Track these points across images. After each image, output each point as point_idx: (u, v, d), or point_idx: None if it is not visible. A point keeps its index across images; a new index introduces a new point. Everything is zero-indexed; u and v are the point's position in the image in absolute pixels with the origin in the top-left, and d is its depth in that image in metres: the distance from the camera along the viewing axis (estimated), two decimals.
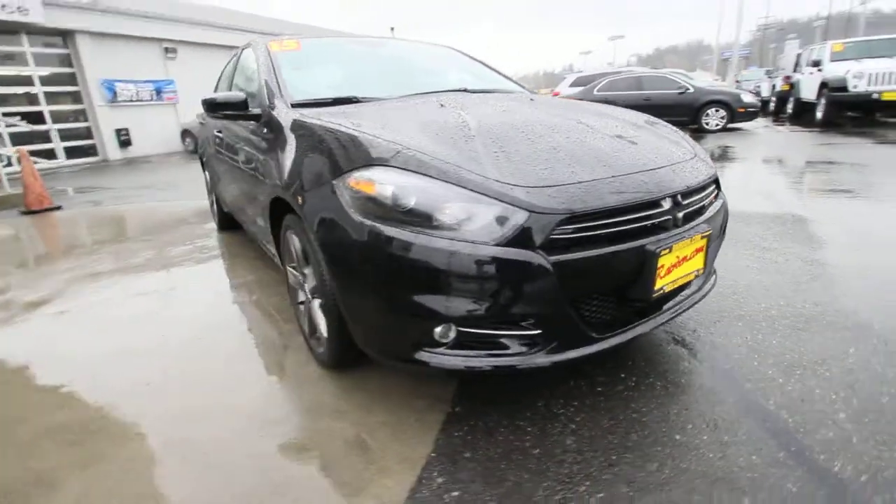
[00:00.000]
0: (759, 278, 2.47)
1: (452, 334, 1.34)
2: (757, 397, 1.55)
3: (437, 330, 1.33)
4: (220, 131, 3.05)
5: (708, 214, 1.60)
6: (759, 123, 11.23)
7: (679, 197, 1.45)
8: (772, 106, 14.14)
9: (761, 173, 5.50)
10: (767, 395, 1.56)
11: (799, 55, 12.09)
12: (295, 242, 1.82)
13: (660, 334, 1.96)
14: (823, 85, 9.42)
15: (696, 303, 1.67)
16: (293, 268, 1.98)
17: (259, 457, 1.43)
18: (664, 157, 1.58)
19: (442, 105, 1.91)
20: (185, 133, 14.71)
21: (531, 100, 2.21)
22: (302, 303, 2.03)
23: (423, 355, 1.36)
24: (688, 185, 1.50)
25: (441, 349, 1.36)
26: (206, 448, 1.48)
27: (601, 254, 1.30)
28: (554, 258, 1.25)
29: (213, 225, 4.33)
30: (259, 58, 2.38)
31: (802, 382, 1.61)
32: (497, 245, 1.24)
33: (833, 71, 9.26)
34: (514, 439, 1.44)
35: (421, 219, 1.30)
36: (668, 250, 1.38)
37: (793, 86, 11.78)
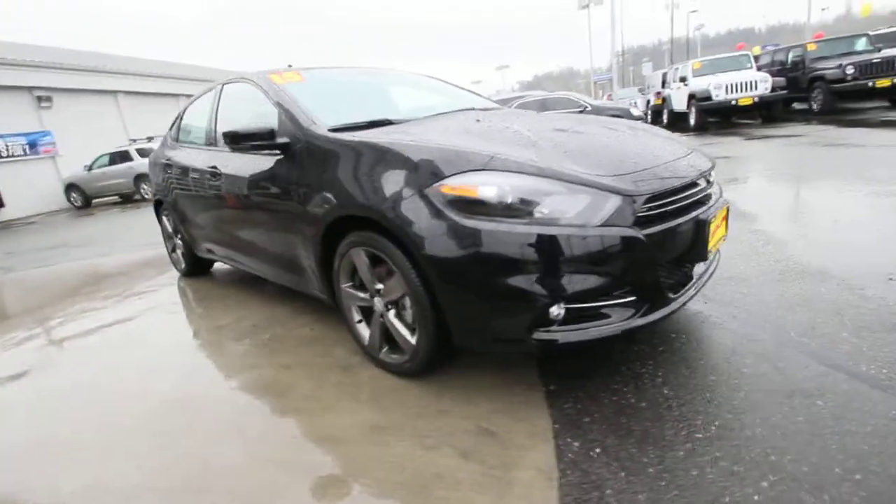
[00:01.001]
0: (724, 248, 2.94)
1: (562, 312, 1.50)
2: (780, 332, 1.90)
3: (553, 310, 1.48)
4: (196, 172, 2.94)
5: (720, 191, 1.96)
6: None
7: (709, 176, 1.78)
8: (648, 118, 16.29)
9: None
10: (787, 329, 1.92)
11: (665, 73, 14.19)
12: (362, 259, 1.87)
13: None
14: (692, 96, 11.17)
15: (716, 268, 2.00)
16: (352, 287, 2.00)
17: (402, 457, 1.46)
18: (682, 147, 1.92)
19: (478, 120, 2.10)
20: (72, 187, 13.15)
21: (538, 112, 2.48)
22: (361, 321, 2.06)
23: (542, 335, 1.50)
24: (709, 167, 1.84)
25: (554, 327, 1.51)
26: (365, 454, 1.46)
27: (674, 225, 1.56)
28: (644, 232, 1.49)
29: (173, 273, 4.02)
30: (269, 90, 2.39)
31: (804, 316, 2.00)
32: (602, 226, 1.45)
33: (698, 84, 11.03)
34: (618, 399, 1.62)
35: (527, 211, 1.46)
36: (713, 218, 1.69)
37: (665, 99, 13.72)
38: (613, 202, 1.47)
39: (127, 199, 13.45)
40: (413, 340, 1.78)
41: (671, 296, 1.64)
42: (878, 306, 2.00)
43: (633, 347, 1.93)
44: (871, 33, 11.05)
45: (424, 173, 1.61)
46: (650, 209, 1.54)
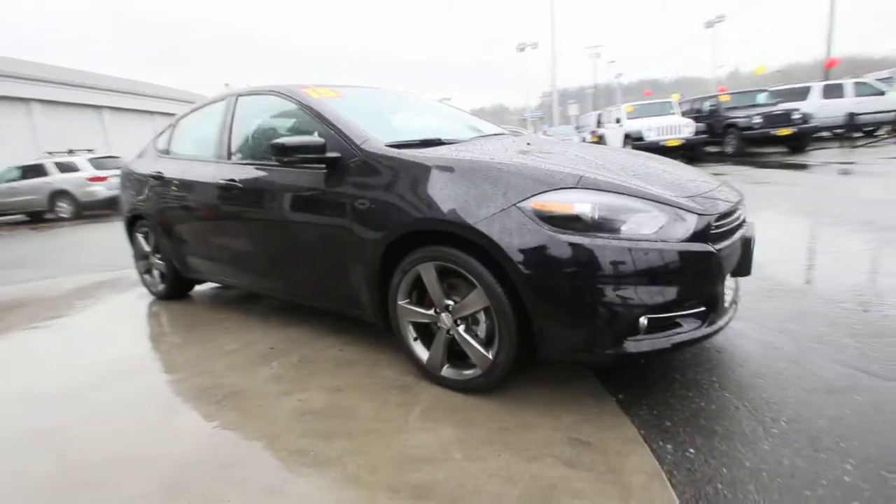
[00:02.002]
0: None
1: (646, 322, 1.62)
2: (795, 341, 2.15)
3: (642, 320, 1.59)
4: (200, 186, 2.79)
5: None
6: None
7: (741, 201, 2.02)
8: None
9: None
10: (799, 338, 2.18)
11: (600, 114, 15.51)
12: (432, 274, 1.87)
13: None
14: (627, 136, 12.29)
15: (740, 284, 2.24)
16: (409, 303, 1.99)
17: (506, 470, 1.46)
18: (712, 177, 2.16)
19: (529, 143, 2.22)
20: None
21: (564, 141, 2.66)
22: (417, 338, 2.04)
23: (631, 345, 1.60)
24: (741, 195, 2.08)
25: (639, 336, 1.62)
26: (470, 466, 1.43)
27: (733, 242, 1.76)
28: (716, 247, 1.66)
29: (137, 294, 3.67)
30: (309, 105, 2.36)
31: (808, 326, 2.28)
32: (686, 241, 1.59)
33: (632, 126, 12.18)
34: (688, 403, 1.75)
35: (616, 228, 1.58)
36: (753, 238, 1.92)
37: (601, 138, 14.93)
38: (692, 220, 1.63)
39: (36, 217, 12.01)
40: (490, 355, 1.80)
41: (726, 306, 1.81)
42: (861, 317, 2.34)
43: (678, 357, 2.09)
44: (770, 89, 12.92)
45: (515, 190, 1.68)
46: (718, 227, 1.72)
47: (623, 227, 1.59)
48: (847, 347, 2.06)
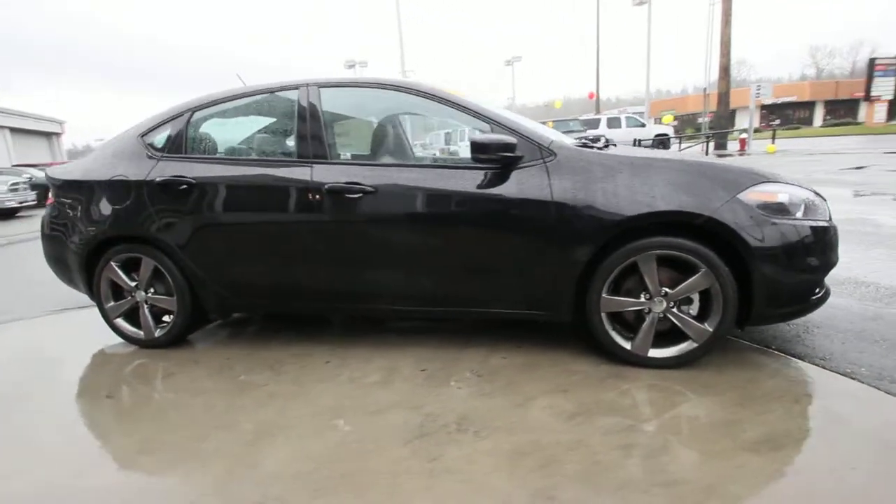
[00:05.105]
0: None
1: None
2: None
3: (825, 280, 2.10)
4: (274, 192, 2.35)
5: None
6: None
7: None
8: None
9: None
10: (837, 324, 3.02)
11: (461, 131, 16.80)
12: (651, 263, 2.05)
13: None
14: None
15: None
16: (613, 294, 2.12)
17: (702, 421, 1.76)
18: None
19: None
20: None
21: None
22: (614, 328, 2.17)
23: (812, 300, 2.09)
24: None
25: (817, 292, 2.12)
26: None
27: None
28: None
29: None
30: (466, 106, 2.27)
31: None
32: (827, 221, 2.13)
33: None
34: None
35: (804, 212, 2.06)
36: None
37: None
38: (825, 205, 2.21)
39: None
40: (710, 328, 2.06)
41: None
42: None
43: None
44: (580, 118, 16.08)
45: (731, 184, 2.01)
46: None
47: (803, 212, 2.07)
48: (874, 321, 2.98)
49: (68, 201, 2.69)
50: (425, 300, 2.35)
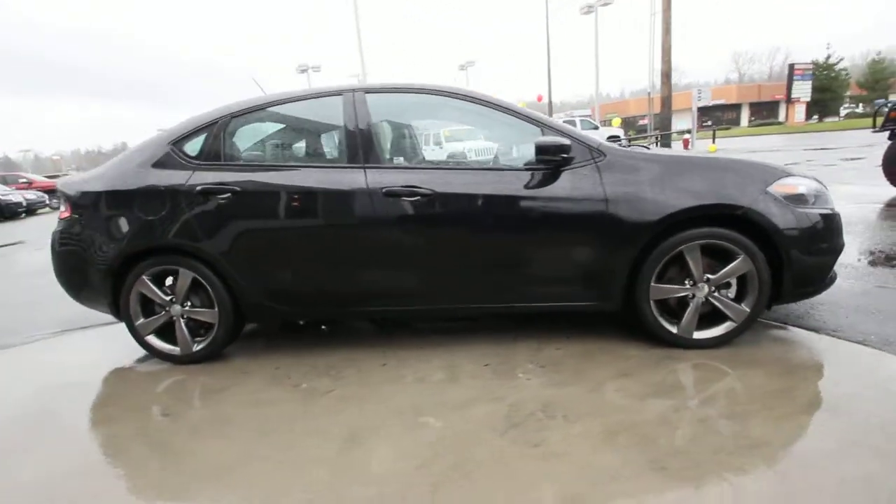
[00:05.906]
0: None
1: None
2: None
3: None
4: (331, 195, 2.37)
5: None
6: None
7: None
8: None
9: None
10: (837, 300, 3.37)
11: (426, 136, 16.93)
12: (696, 252, 2.24)
13: None
14: (451, 156, 13.85)
15: None
16: (660, 283, 2.30)
17: (739, 388, 1.99)
18: None
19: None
20: None
21: None
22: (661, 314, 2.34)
23: (828, 279, 2.35)
24: None
25: (832, 273, 2.38)
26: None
27: None
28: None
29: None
30: (514, 111, 2.39)
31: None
32: (832, 209, 2.42)
33: (450, 147, 13.79)
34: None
35: (819, 201, 2.31)
36: None
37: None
38: (830, 194, 2.50)
39: None
40: (747, 308, 2.28)
41: None
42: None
43: None
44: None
45: (760, 178, 2.24)
46: None
47: (816, 201, 2.33)
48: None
49: (88, 214, 2.55)
50: (485, 298, 2.43)
